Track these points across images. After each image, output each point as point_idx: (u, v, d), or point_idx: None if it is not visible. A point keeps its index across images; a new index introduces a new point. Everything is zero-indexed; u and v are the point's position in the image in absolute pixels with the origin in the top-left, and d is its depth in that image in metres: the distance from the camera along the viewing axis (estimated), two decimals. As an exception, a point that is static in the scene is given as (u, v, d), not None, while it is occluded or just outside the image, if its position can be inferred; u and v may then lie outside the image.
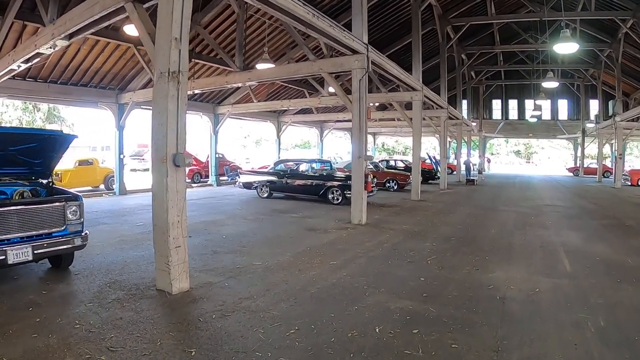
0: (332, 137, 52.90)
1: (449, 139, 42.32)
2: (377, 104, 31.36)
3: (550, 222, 14.36)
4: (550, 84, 23.84)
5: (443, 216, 15.41)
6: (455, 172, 37.41)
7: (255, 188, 20.70)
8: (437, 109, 27.12)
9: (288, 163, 22.43)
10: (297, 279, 7.62)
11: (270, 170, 21.07)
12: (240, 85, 18.26)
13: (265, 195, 20.26)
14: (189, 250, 7.05)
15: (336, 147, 67.82)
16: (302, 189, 19.21)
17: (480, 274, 7.94)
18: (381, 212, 16.30)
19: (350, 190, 14.98)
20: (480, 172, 32.63)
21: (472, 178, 32.58)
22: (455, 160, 38.42)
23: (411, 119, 20.91)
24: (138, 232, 11.63)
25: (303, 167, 21.01)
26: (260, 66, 17.12)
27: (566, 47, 15.96)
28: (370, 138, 53.64)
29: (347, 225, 13.24)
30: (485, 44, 37.07)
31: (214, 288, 7.01)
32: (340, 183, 17.79)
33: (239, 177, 21.84)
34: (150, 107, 20.40)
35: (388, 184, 24.93)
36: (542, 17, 24.38)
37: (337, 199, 17.85)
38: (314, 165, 20.88)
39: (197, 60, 20.47)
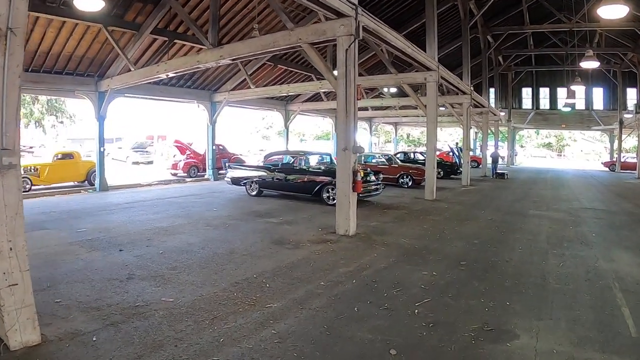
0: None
1: (475, 130, 39.68)
2: (393, 89, 28.47)
3: (594, 234, 11.20)
4: (589, 64, 20.41)
5: (458, 224, 12.32)
6: (481, 166, 34.20)
7: (244, 184, 17.92)
8: (458, 94, 23.97)
9: (280, 156, 19.64)
10: (196, 337, 4.99)
11: (260, 165, 18.27)
12: (213, 64, 15.33)
13: (254, 193, 17.49)
14: (101, 271, 6.54)
15: (358, 138, 64.88)
16: (294, 186, 16.32)
17: (492, 342, 4.89)
18: (382, 216, 13.33)
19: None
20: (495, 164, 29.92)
21: (502, 172, 29.80)
22: (481, 153, 35.04)
23: (426, 105, 17.75)
24: (68, 242, 9.48)
25: (313, 160, 17.98)
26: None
27: (612, 11, 12.66)
28: (390, 128, 50.82)
29: (330, 236, 10.37)
30: (513, 24, 33.92)
31: (74, 344, 4.77)
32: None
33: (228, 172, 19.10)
34: (133, 95, 17.21)
35: (401, 180, 21.92)
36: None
37: (332, 199, 14.79)
38: (311, 158, 17.99)
39: (176, 41, 18.46)
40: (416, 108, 30.66)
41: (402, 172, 22.01)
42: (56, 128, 46.62)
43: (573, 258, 8.68)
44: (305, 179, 15.86)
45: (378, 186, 16.03)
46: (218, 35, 15.55)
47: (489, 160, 31.69)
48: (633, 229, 12.17)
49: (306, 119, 42.18)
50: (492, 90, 43.12)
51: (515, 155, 58.16)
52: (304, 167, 16.46)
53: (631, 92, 42.87)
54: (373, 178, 15.93)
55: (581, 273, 7.69)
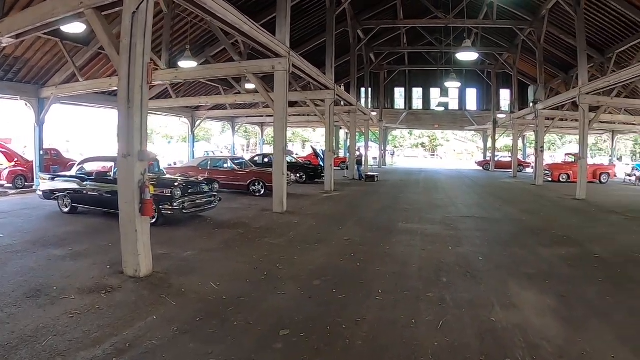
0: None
1: (346, 130, 37.97)
2: (251, 86, 25.34)
3: (480, 258, 8.53)
4: (466, 55, 18.21)
5: (302, 250, 9.11)
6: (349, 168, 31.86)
7: (57, 199, 13.96)
8: (322, 90, 21.13)
9: (104, 163, 16.09)
10: None
11: (72, 174, 14.32)
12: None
13: (67, 209, 13.55)
14: None
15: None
16: (107, 201, 12.25)
17: None
18: (207, 241, 9.91)
19: (170, 203, 11.24)
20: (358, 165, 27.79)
21: (372, 174, 27.30)
22: (349, 154, 32.34)
23: (274, 100, 14.61)
24: None
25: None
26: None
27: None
28: (257, 129, 47.30)
29: (113, 279, 6.98)
30: (386, 17, 32.05)
31: None
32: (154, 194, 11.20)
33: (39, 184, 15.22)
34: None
35: (253, 187, 18.54)
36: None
37: (152, 218, 11.21)
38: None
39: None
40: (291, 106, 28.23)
41: (255, 179, 18.65)
42: None
43: (457, 308, 5.79)
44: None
45: (212, 198, 12.76)
46: (4, 7, 11.88)
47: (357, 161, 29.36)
48: (526, 244, 9.83)
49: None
50: (363, 89, 41.87)
51: (392, 155, 58.96)
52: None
53: (505, 93, 44.83)
54: (206, 189, 12.63)
55: (472, 342, 4.80)
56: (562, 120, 33.09)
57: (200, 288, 6.57)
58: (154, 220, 11.03)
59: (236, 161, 20.46)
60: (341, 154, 44.72)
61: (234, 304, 5.90)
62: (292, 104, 33.38)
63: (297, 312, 5.61)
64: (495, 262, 8.28)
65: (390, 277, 7.14)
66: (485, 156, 48.24)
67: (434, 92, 46.59)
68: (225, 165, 19.74)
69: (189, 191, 11.93)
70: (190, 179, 13.70)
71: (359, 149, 30.40)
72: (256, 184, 18.41)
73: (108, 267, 7.65)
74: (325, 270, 7.50)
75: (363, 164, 28.83)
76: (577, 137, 20.93)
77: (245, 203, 15.86)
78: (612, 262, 8.64)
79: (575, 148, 57.95)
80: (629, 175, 33.32)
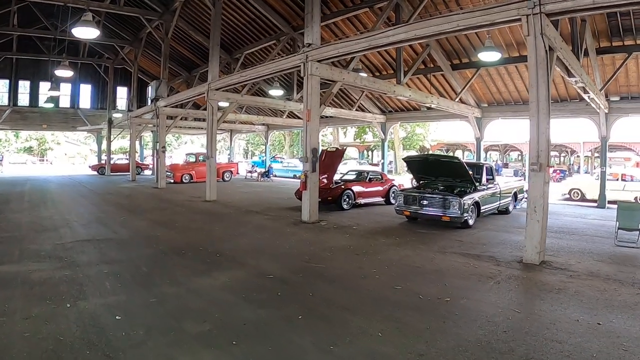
0: None
1: None
2: None
3: (119, 316, 5.53)
4: (85, 31, 14.55)
5: None
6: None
7: None
8: None
9: None
10: None
11: None
12: None
13: None
14: None
15: None
16: None
17: None
18: None
19: None
20: None
21: None
22: None
23: None
24: None
25: None
26: None
27: None
28: None
29: None
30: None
31: None
32: None
33: None
34: None
35: None
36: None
37: None
38: None
39: None
40: None
41: None
42: None
43: None
44: None
45: None
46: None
47: None
48: (175, 275, 7.48)
49: None
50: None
51: (0, 162, 52.36)
52: None
53: (122, 91, 43.33)
54: None
55: None
56: (183, 119, 33.85)
57: None
58: None
59: None
60: None
61: None
62: None
63: None
64: (143, 319, 5.51)
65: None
66: (100, 159, 45.50)
67: (44, 87, 40.07)
68: None
69: None
70: None
71: None
72: None
73: None
74: None
75: None
76: (193, 137, 19.84)
77: None
78: (295, 283, 7.06)
79: (192, 148, 59.22)
80: (250, 172, 37.23)
